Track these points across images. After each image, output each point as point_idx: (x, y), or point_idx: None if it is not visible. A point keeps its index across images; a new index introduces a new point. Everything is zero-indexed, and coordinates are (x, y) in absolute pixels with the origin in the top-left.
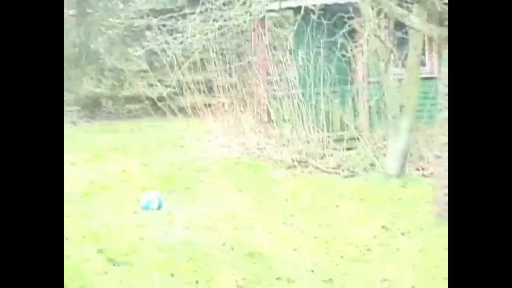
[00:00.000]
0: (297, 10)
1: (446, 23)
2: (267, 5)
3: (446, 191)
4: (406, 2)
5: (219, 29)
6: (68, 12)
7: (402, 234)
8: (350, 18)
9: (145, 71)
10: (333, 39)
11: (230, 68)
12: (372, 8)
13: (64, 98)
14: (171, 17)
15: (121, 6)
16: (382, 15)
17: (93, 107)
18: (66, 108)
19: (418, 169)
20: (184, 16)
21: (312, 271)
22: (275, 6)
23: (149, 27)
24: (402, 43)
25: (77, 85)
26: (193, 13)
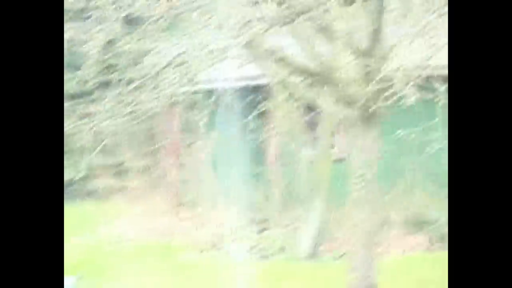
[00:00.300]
0: (209, 93)
1: (356, 104)
2: (178, 88)
3: (358, 273)
4: (315, 85)
5: (130, 113)
6: None
7: None
8: (262, 100)
9: None
10: (245, 121)
11: (141, 152)
12: (283, 91)
13: None
14: (82, 101)
15: None
16: (293, 98)
17: None
18: None
19: (330, 251)
20: (94, 100)
21: None
22: (186, 89)
23: None
24: (313, 124)
25: None
26: (104, 97)
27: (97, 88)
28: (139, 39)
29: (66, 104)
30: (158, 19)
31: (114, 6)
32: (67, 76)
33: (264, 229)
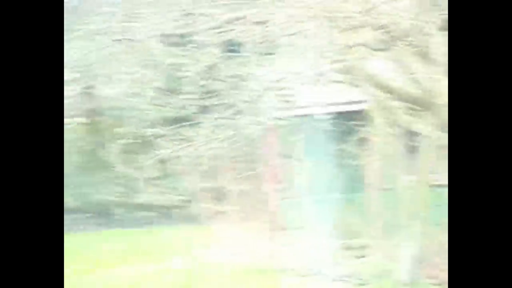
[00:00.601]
0: (307, 117)
1: None
2: (277, 113)
3: None
4: (415, 110)
5: (229, 137)
6: (79, 119)
7: None
8: (361, 125)
9: (156, 179)
10: (343, 146)
11: (241, 176)
12: (382, 116)
13: (75, 205)
14: (182, 125)
15: (133, 113)
16: (392, 123)
17: (103, 215)
18: (74, 215)
19: (430, 277)
20: (194, 125)
21: None
22: (285, 114)
23: (160, 135)
24: (412, 149)
25: (88, 192)
26: (203, 122)
27: (197, 112)
28: (238, 64)
29: (167, 128)
30: (257, 44)
31: (214, 31)
32: (167, 100)
33: (363, 255)
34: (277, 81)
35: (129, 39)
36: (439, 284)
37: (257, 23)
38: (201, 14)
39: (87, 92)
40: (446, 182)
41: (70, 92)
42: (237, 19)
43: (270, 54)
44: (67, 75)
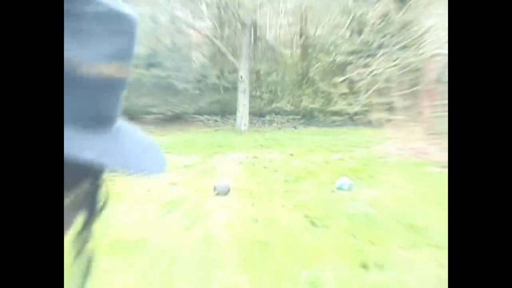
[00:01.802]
0: None
1: None
2: (434, 49)
3: None
4: None
5: (398, 65)
6: (295, 51)
7: None
8: None
9: (345, 94)
10: None
11: (406, 94)
12: None
13: (290, 109)
14: (364, 56)
15: (331, 47)
16: None
17: (309, 117)
18: (289, 116)
19: None
20: (371, 55)
21: None
22: (439, 51)
23: (348, 62)
24: None
25: (298, 101)
26: (379, 54)
27: (374, 47)
28: (405, 12)
29: (352, 58)
30: None
31: None
32: (353, 38)
33: None
34: (433, 25)
35: None
36: None
37: None
38: None
39: (301, 32)
40: None
41: (290, 30)
42: None
43: (431, 4)
44: (286, 20)
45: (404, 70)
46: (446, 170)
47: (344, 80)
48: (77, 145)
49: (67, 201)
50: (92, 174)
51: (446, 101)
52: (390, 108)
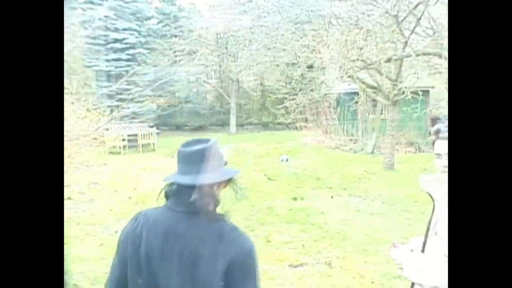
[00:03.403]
0: None
1: None
2: (326, 91)
3: None
4: None
5: (309, 99)
6: (258, 93)
7: None
8: None
9: (284, 113)
10: None
11: (313, 113)
12: None
13: (255, 122)
14: (292, 94)
15: (276, 90)
16: None
17: (265, 126)
18: (256, 126)
19: None
20: (296, 94)
21: None
22: (331, 91)
23: (284, 97)
24: None
25: (260, 118)
26: (299, 93)
27: (297, 90)
28: (312, 72)
29: (285, 95)
30: None
31: None
32: (286, 87)
33: None
34: (327, 78)
35: None
36: None
37: None
38: None
39: (260, 83)
40: None
41: (255, 82)
42: None
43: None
44: (253, 78)
45: (312, 101)
46: (336, 149)
47: (283, 107)
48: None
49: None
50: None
51: (335, 116)
52: (306, 120)
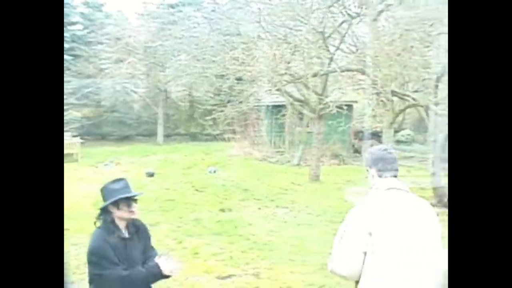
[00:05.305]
0: None
1: None
2: (254, 103)
3: None
4: None
5: (237, 111)
6: (186, 104)
7: None
8: None
9: (212, 125)
10: None
11: (241, 125)
12: None
13: (182, 132)
14: (221, 106)
15: (205, 102)
16: None
17: (193, 137)
18: (184, 137)
19: None
20: (225, 106)
21: None
22: (259, 103)
23: (213, 109)
24: None
25: (188, 128)
26: (227, 106)
27: (225, 102)
28: (242, 85)
29: (214, 107)
30: None
31: None
32: (214, 99)
33: None
34: (254, 92)
35: None
36: None
37: None
38: None
39: (189, 94)
40: None
41: (184, 93)
42: None
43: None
44: (181, 88)
45: (240, 113)
46: (263, 161)
47: (211, 118)
48: None
49: None
50: None
51: (263, 128)
52: (234, 131)
